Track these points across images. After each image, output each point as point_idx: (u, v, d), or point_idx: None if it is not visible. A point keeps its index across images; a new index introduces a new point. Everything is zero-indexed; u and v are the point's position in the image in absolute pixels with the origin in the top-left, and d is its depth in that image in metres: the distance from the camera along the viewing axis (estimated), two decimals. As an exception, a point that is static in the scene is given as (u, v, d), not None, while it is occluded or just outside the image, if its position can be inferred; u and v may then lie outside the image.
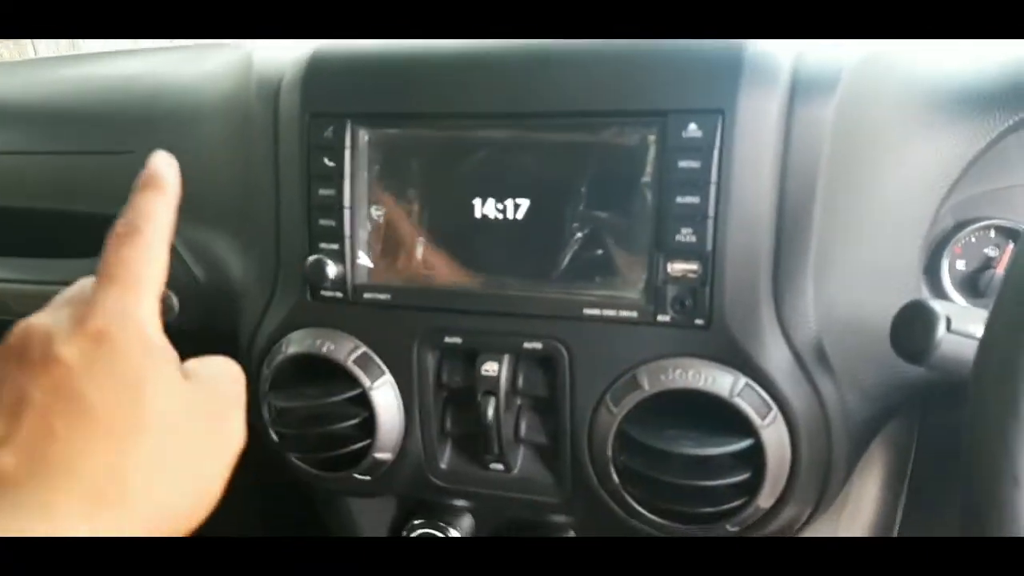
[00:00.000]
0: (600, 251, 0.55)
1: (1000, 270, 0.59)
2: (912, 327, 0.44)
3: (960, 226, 0.60)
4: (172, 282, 0.75)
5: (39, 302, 0.36)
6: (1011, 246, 0.59)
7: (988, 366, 0.35)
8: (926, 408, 0.59)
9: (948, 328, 0.43)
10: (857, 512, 0.65)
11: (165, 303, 0.77)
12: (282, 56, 0.68)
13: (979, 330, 0.37)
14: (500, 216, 0.57)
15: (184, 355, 0.86)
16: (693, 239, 0.51)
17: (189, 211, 0.74)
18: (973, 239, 0.61)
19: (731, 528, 0.54)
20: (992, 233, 0.61)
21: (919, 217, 0.54)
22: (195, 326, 0.76)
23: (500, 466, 0.61)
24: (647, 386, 0.53)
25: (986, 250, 0.61)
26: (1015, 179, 0.60)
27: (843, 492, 0.59)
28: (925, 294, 0.59)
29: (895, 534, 0.67)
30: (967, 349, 0.42)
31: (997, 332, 0.35)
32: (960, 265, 0.61)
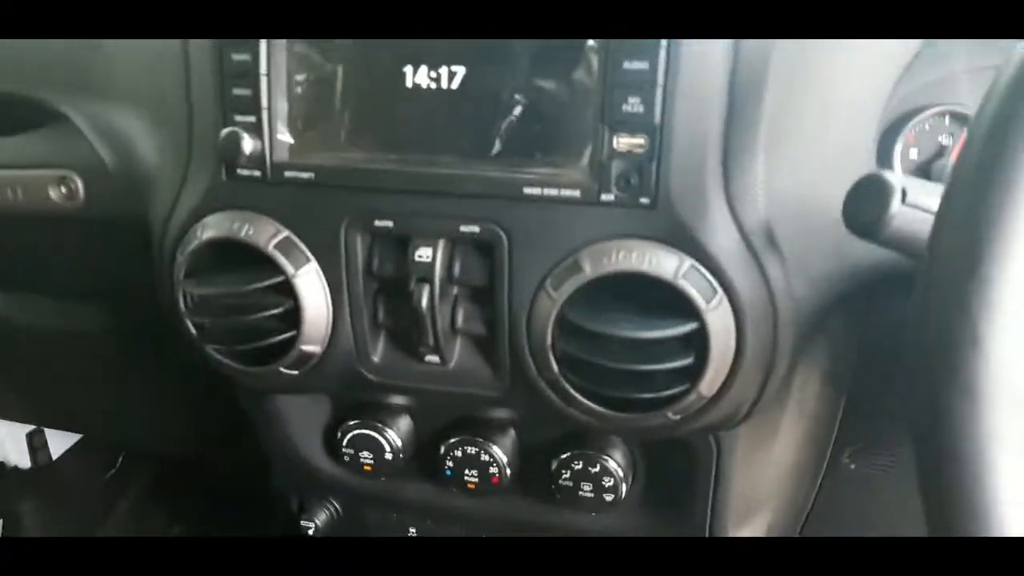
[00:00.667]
0: (541, 124, 0.51)
1: (954, 157, 0.57)
2: (866, 200, 0.42)
3: (913, 112, 0.58)
4: (76, 165, 0.70)
5: None
6: (965, 133, 0.57)
7: (945, 235, 0.33)
8: (871, 303, 0.58)
9: (903, 200, 0.41)
10: (800, 406, 0.65)
11: (70, 189, 0.71)
12: None
13: (935, 203, 0.35)
14: (434, 85, 0.52)
15: (94, 246, 0.79)
16: (640, 109, 0.47)
17: (86, 84, 0.69)
18: (927, 127, 0.58)
19: (672, 416, 0.52)
20: (947, 120, 0.58)
21: (872, 98, 0.51)
22: (104, 215, 0.70)
23: (436, 358, 0.58)
24: (588, 270, 0.50)
25: (940, 138, 0.58)
26: (971, 62, 0.57)
27: (786, 385, 0.58)
28: None
29: (835, 430, 0.68)
30: (921, 224, 0.40)
31: (955, 204, 0.33)
32: (913, 154, 0.59)
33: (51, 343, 0.93)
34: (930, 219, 0.35)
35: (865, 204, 0.42)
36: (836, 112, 0.51)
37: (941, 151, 0.58)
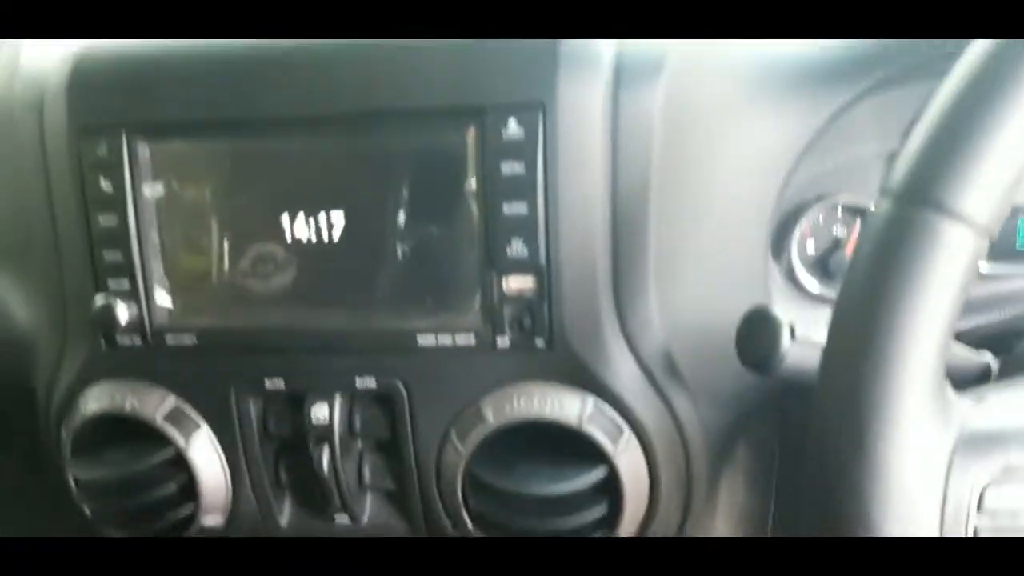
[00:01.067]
0: (428, 271, 0.49)
1: (849, 251, 0.57)
2: (756, 337, 0.41)
3: (806, 205, 0.58)
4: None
5: None
6: (858, 225, 0.58)
7: (831, 384, 0.32)
8: (784, 403, 0.57)
9: (792, 336, 0.40)
10: (731, 508, 0.63)
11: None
12: (48, 58, 0.57)
13: (823, 335, 0.34)
14: (314, 238, 0.50)
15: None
16: (525, 252, 0.46)
17: None
18: (820, 219, 0.58)
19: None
20: (839, 212, 0.58)
21: (760, 203, 0.50)
22: None
23: (346, 518, 0.55)
24: (491, 418, 0.48)
25: (834, 229, 0.58)
26: (862, 151, 0.58)
27: (711, 497, 0.56)
28: (777, 281, 0.56)
29: (769, 533, 0.66)
30: (813, 356, 0.39)
31: (838, 342, 0.32)
32: (810, 247, 0.59)
33: None
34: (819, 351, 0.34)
35: (756, 342, 0.41)
36: (723, 226, 0.50)
37: (837, 243, 0.58)
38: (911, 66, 0.50)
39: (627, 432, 0.47)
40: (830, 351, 0.33)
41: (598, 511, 0.47)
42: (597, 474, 0.46)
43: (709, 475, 0.50)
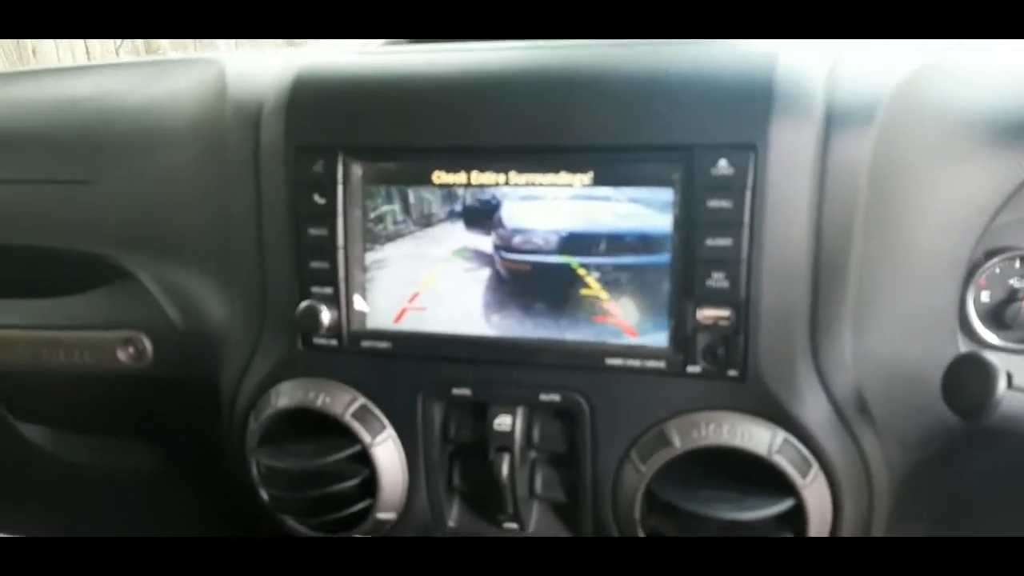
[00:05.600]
0: (623, 295, 0.51)
1: None
2: (967, 383, 0.42)
3: (986, 256, 0.58)
4: (145, 325, 0.71)
5: None
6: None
7: None
8: (956, 454, 0.56)
9: (1010, 385, 0.40)
10: None
11: (137, 348, 0.72)
12: (261, 77, 0.62)
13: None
14: (513, 256, 0.53)
15: (160, 405, 0.79)
16: (725, 284, 0.48)
17: (158, 246, 0.70)
18: (997, 270, 0.58)
19: None
20: (1017, 263, 0.58)
21: (957, 256, 0.51)
22: (172, 373, 0.70)
23: (514, 525, 0.57)
24: (678, 443, 0.49)
25: (1011, 281, 0.58)
26: None
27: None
28: (959, 334, 0.56)
29: None
30: (1029, 406, 0.40)
31: None
32: (984, 297, 0.59)
33: (106, 481, 0.92)
34: None
35: (966, 388, 0.41)
36: (922, 273, 0.50)
37: (1013, 294, 0.58)
38: None
39: (815, 467, 0.48)
40: None
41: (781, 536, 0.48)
42: (784, 504, 0.47)
43: (891, 514, 0.51)
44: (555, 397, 0.53)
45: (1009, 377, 0.40)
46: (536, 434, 0.55)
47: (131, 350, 0.71)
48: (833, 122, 0.47)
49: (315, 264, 0.57)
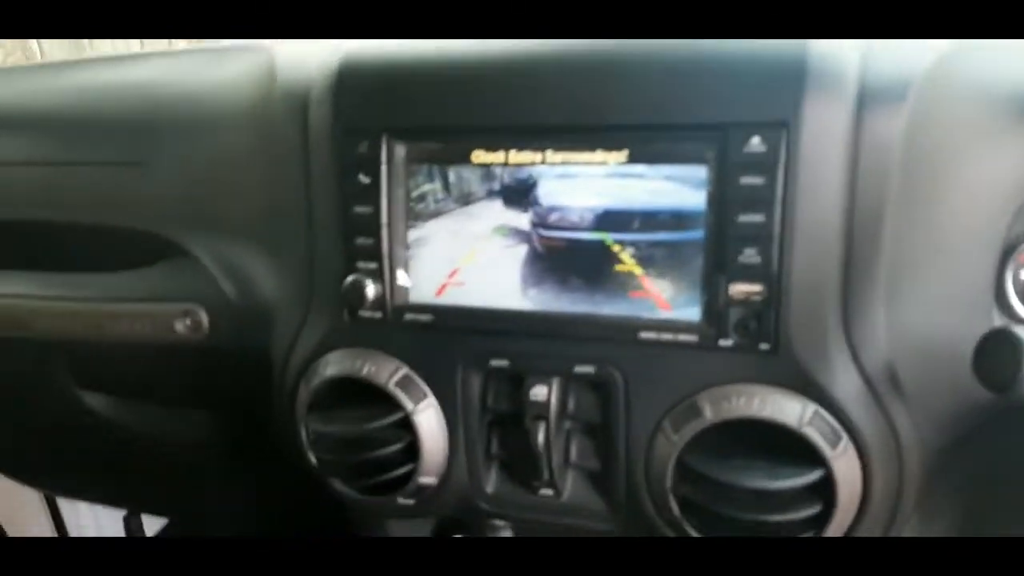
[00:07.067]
0: (658, 270, 0.53)
1: None
2: (999, 357, 0.42)
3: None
4: (201, 298, 0.75)
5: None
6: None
7: None
8: (987, 432, 0.56)
9: (1041, 359, 0.41)
10: (934, 530, 0.63)
11: (193, 320, 0.76)
12: (309, 63, 0.64)
13: None
14: (550, 233, 0.55)
15: (216, 374, 0.84)
16: (758, 260, 0.49)
17: (212, 225, 0.74)
18: None
19: None
20: None
21: (994, 232, 0.51)
22: (226, 345, 0.74)
23: (550, 491, 0.59)
24: (709, 414, 0.51)
25: None
26: None
27: (917, 511, 0.57)
28: (994, 310, 0.56)
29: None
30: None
31: None
32: (1022, 275, 0.58)
33: (158, 445, 0.98)
34: None
35: (998, 361, 0.42)
36: (956, 250, 0.51)
37: (1052, 273, 0.58)
38: None
39: (845, 439, 0.49)
40: None
41: (810, 511, 0.49)
42: (814, 475, 0.49)
43: (921, 489, 0.51)
44: (589, 369, 0.55)
45: (1041, 351, 0.41)
46: (571, 404, 0.57)
47: (188, 322, 0.75)
48: (866, 99, 0.48)
49: (360, 241, 0.59)
